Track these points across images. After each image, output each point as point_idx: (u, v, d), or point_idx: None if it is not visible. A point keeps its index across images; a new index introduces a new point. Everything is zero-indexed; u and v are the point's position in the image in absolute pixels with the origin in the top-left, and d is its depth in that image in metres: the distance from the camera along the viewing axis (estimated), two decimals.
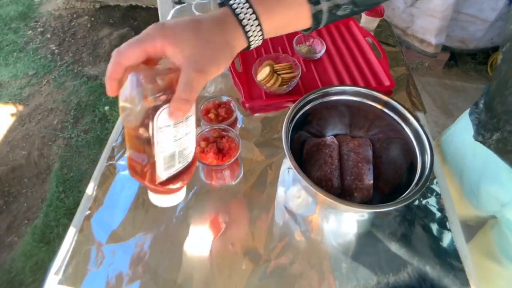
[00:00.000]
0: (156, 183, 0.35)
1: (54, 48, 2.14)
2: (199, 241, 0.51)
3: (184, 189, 0.40)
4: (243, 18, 0.33)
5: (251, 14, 0.33)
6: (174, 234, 0.52)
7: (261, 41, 0.36)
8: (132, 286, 0.46)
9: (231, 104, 0.67)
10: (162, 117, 0.32)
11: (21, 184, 1.47)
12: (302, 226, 0.53)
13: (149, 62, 0.34)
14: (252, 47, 0.36)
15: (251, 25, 0.33)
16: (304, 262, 0.49)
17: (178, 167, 0.37)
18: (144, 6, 2.47)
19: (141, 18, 2.39)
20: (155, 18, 2.34)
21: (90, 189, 0.57)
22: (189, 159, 0.39)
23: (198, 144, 0.58)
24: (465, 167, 0.63)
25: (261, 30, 0.34)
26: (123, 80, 0.32)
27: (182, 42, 0.31)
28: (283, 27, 0.37)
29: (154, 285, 0.46)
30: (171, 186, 0.37)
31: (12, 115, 1.75)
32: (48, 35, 2.23)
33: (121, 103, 0.32)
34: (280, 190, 0.57)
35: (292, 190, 0.57)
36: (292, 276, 0.48)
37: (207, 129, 0.60)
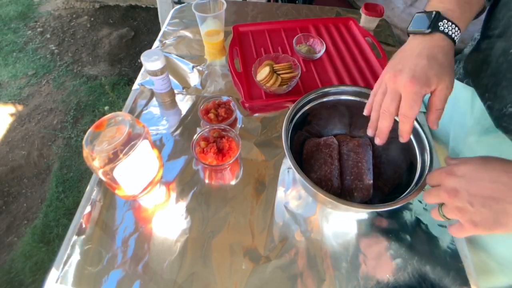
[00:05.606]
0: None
1: (53, 48, 2.14)
2: (199, 241, 0.51)
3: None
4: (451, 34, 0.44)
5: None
6: (174, 234, 0.52)
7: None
8: (132, 286, 0.46)
9: (231, 104, 0.67)
10: (117, 170, 0.42)
11: (20, 184, 1.47)
12: (302, 226, 0.53)
13: (99, 126, 0.44)
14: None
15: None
16: (304, 262, 0.49)
17: (143, 185, 0.50)
18: (143, 6, 2.47)
19: (140, 18, 2.38)
20: (155, 18, 2.34)
21: (90, 189, 0.57)
22: (152, 175, 0.51)
23: (198, 144, 0.58)
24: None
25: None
26: None
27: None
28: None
29: (154, 285, 0.46)
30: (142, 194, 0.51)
31: (12, 115, 1.75)
32: (48, 35, 2.23)
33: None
34: (280, 190, 0.57)
35: (292, 190, 0.57)
36: (292, 276, 0.48)
37: (207, 129, 0.60)
